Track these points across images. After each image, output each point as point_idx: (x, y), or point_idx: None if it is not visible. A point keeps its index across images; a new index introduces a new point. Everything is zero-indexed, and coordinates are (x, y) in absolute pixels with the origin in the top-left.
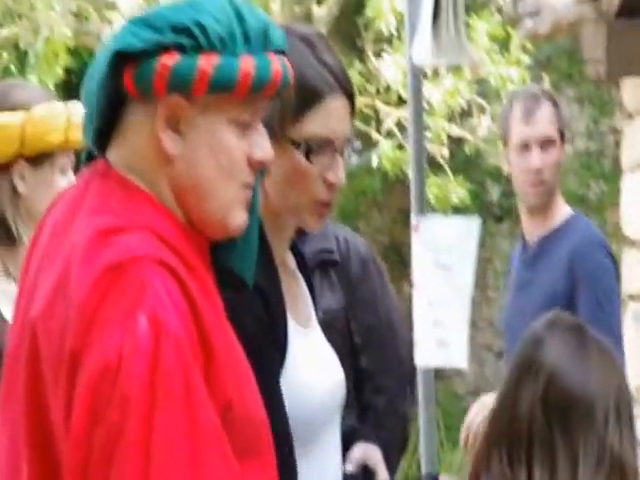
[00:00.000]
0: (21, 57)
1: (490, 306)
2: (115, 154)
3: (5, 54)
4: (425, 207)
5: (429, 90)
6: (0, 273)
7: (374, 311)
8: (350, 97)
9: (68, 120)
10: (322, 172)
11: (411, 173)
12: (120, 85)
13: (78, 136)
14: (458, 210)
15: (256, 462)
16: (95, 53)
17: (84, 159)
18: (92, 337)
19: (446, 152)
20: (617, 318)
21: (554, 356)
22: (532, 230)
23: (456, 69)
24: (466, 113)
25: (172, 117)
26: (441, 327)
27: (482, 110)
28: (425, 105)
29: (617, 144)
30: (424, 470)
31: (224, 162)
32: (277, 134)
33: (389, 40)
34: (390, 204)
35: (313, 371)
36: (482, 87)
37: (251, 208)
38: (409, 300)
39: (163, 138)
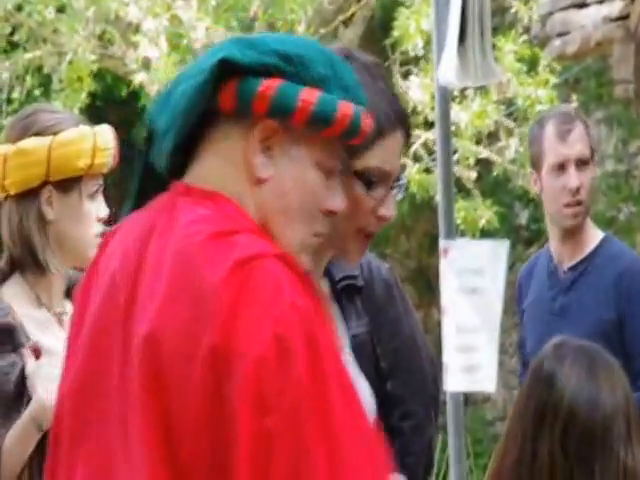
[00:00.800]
0: (45, 81)
1: (519, 331)
2: (198, 170)
3: (29, 78)
4: (453, 231)
5: (456, 112)
6: (31, 300)
7: (399, 334)
8: (408, 135)
9: (95, 144)
10: (376, 205)
11: (439, 196)
12: (214, 99)
13: (105, 160)
14: (487, 234)
15: None
16: (119, 76)
17: (138, 181)
18: (238, 331)
19: (474, 175)
20: None
21: (569, 392)
22: (565, 254)
23: (483, 91)
24: (494, 135)
25: (265, 140)
26: (470, 352)
27: (510, 132)
28: (452, 127)
29: None
30: None
31: (307, 202)
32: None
33: (416, 61)
34: (418, 228)
35: None
36: (510, 108)
37: None
38: (438, 325)
39: (256, 161)
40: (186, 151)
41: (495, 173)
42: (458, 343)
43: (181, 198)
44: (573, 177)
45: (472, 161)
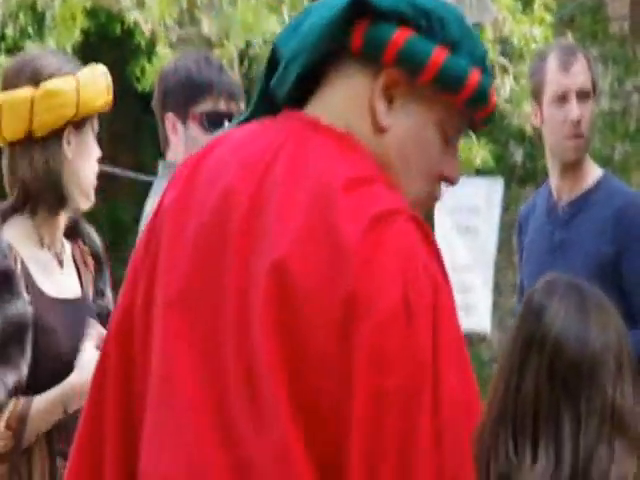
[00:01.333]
0: (38, 19)
1: (515, 271)
2: (321, 106)
3: (22, 16)
4: None
5: None
6: (35, 241)
7: None
8: None
9: (107, 82)
10: None
11: None
12: (344, 37)
13: (111, 97)
14: (481, 172)
15: None
16: (113, 14)
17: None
18: (372, 286)
19: None
20: None
21: (557, 326)
22: (564, 190)
23: (479, 29)
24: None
25: (388, 89)
26: (464, 292)
27: (505, 70)
28: None
29: None
30: None
31: (424, 159)
32: None
33: None
34: None
35: None
36: (505, 47)
37: None
38: None
39: (378, 107)
40: (308, 83)
41: None
42: (452, 282)
43: (312, 132)
44: (574, 108)
45: None
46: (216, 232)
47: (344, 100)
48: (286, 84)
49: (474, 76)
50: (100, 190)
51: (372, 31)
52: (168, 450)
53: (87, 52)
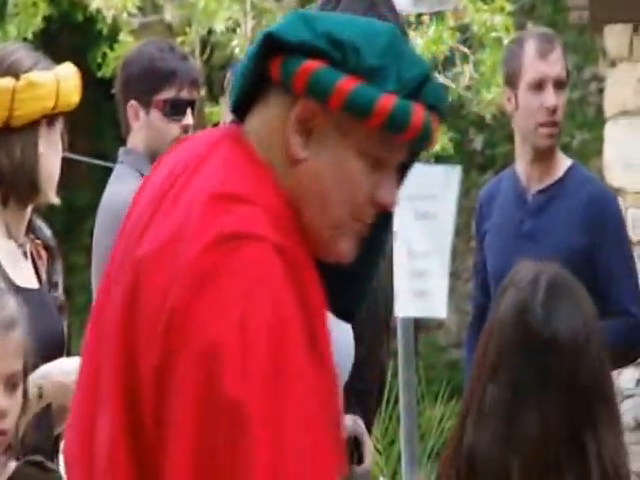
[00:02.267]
0: (0, 7)
1: (473, 256)
2: (251, 126)
3: None
4: None
5: (412, 38)
6: (2, 232)
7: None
8: None
9: (78, 82)
10: None
11: None
12: (265, 69)
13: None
14: (441, 159)
15: None
16: (75, 1)
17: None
18: (202, 306)
19: None
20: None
21: (572, 355)
22: (534, 177)
23: (439, 17)
24: (449, 61)
25: (306, 122)
26: (421, 277)
27: (465, 58)
28: None
29: (600, 91)
30: (403, 424)
31: (344, 188)
32: None
33: None
34: None
35: (340, 336)
36: (465, 35)
37: (373, 251)
38: (390, 251)
39: (292, 140)
40: (249, 103)
41: (450, 99)
42: (409, 268)
43: (227, 141)
44: (551, 96)
45: None
46: (123, 248)
47: (265, 128)
48: (232, 103)
49: (386, 102)
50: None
51: (286, 63)
52: (70, 432)
53: (48, 39)
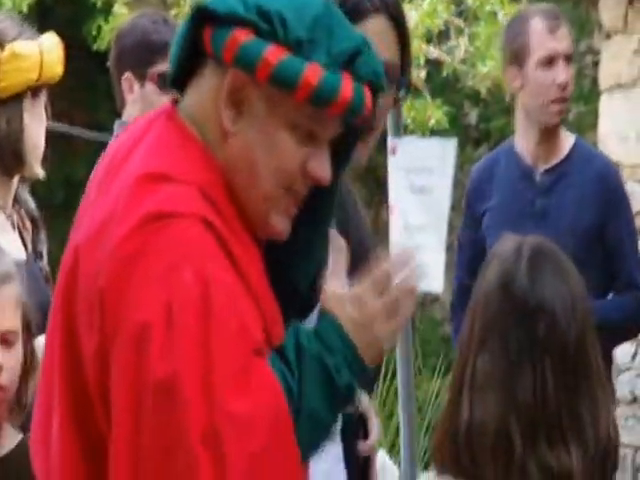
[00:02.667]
0: None
1: (461, 231)
2: (187, 100)
3: None
4: (401, 129)
5: (407, 11)
6: None
7: (345, 232)
8: (398, 23)
9: (61, 53)
10: None
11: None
12: (197, 42)
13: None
14: (436, 133)
15: None
16: None
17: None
18: (130, 288)
19: (423, 74)
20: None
21: (561, 325)
22: (540, 155)
23: None
24: (444, 35)
25: (236, 93)
26: (417, 252)
27: (460, 31)
28: None
29: (596, 64)
30: (401, 396)
31: (274, 160)
32: None
33: None
34: None
35: None
36: (460, 8)
37: (317, 221)
38: (387, 225)
39: (223, 114)
40: (185, 83)
41: (445, 73)
42: (405, 242)
43: (161, 120)
44: (563, 71)
45: (422, 60)
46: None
47: (200, 101)
48: (170, 79)
49: (311, 74)
50: (54, 149)
51: (215, 35)
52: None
53: (43, 11)
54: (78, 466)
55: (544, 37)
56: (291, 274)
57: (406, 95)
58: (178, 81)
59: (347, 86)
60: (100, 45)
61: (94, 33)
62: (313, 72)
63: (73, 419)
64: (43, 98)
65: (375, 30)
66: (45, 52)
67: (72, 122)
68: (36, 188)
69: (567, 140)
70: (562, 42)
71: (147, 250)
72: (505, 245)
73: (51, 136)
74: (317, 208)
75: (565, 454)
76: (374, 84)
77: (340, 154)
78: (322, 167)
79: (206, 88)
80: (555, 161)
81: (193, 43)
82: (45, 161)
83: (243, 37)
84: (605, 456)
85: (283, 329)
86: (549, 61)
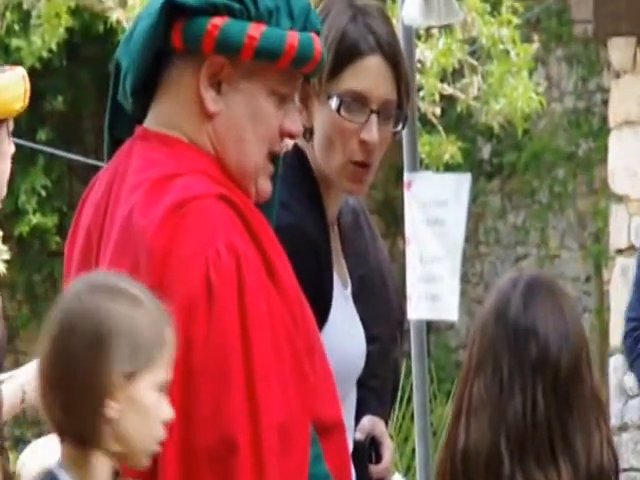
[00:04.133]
0: (24, 17)
1: (481, 261)
2: (156, 111)
3: (8, 14)
4: (417, 164)
5: (422, 50)
6: None
7: (365, 261)
8: (393, 62)
9: (25, 87)
10: (357, 131)
11: (404, 131)
12: (167, 39)
13: (27, 102)
14: (450, 168)
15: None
16: (96, 13)
17: (107, 137)
18: (171, 274)
19: (438, 111)
20: None
21: (553, 345)
22: None
23: (449, 30)
24: (458, 73)
25: (214, 76)
26: (433, 281)
27: (474, 70)
28: (419, 65)
29: (605, 102)
30: (416, 421)
31: (260, 127)
32: (318, 90)
33: (382, 1)
34: (383, 161)
35: (351, 332)
36: (473, 47)
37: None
38: (403, 256)
39: (205, 96)
40: (148, 93)
41: (459, 109)
42: (421, 273)
43: (138, 143)
44: None
45: (437, 97)
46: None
47: (175, 100)
48: (128, 97)
49: (292, 40)
50: (83, 182)
51: (188, 27)
52: None
53: (71, 49)
54: None
55: None
56: None
57: (403, 129)
58: (139, 91)
59: (317, 42)
60: None
61: None
62: (292, 37)
63: None
64: (6, 130)
65: (372, 68)
66: (1, 90)
67: (100, 155)
68: (65, 220)
69: None
70: None
71: (179, 234)
72: (504, 278)
73: (80, 169)
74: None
75: (554, 474)
76: (319, 32)
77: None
78: (296, 124)
79: (179, 85)
80: None
81: (158, 43)
82: (73, 194)
83: (221, 22)
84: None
85: (302, 297)
86: None
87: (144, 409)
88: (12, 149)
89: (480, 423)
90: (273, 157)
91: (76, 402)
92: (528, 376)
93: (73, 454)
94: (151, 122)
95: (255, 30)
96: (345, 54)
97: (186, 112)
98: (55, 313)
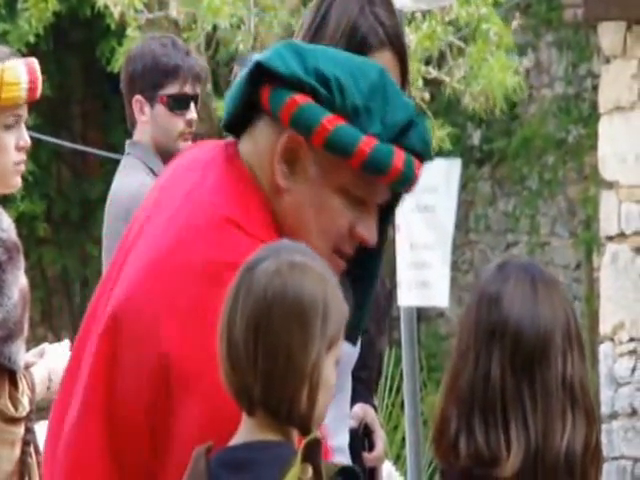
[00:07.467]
0: (11, 1)
1: (471, 249)
2: (244, 146)
3: None
4: None
5: (407, 35)
6: None
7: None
8: (401, 58)
9: (2, 79)
10: None
11: None
12: (257, 94)
13: (15, 94)
14: (439, 154)
15: None
16: None
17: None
18: (196, 341)
19: (427, 96)
20: None
21: (515, 315)
22: None
23: (430, 13)
24: (443, 56)
25: (291, 152)
26: (423, 268)
27: (461, 52)
28: None
29: (595, 88)
30: (407, 410)
31: (323, 220)
32: None
33: None
34: None
35: None
36: (458, 28)
37: (369, 279)
38: (392, 243)
39: (276, 167)
40: (242, 123)
41: (447, 94)
42: (411, 259)
43: (222, 160)
44: None
45: (420, 82)
46: (118, 253)
47: (256, 152)
48: (225, 121)
49: (365, 145)
50: (71, 168)
51: (275, 93)
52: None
53: (58, 33)
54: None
55: None
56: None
57: None
58: (232, 126)
59: (399, 158)
60: (114, 67)
61: (108, 55)
62: (367, 142)
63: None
64: (0, 122)
65: (383, 62)
66: (5, 76)
67: (87, 141)
68: (53, 206)
69: None
70: None
71: (207, 303)
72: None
73: (68, 155)
74: (365, 263)
75: (503, 443)
76: (423, 154)
77: (383, 212)
78: (369, 232)
79: (261, 140)
80: None
81: (249, 95)
82: (61, 180)
83: (301, 101)
84: (568, 469)
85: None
86: None
87: (329, 386)
88: (24, 141)
89: (444, 386)
90: (345, 255)
91: (280, 377)
92: (483, 340)
93: (266, 425)
94: (240, 153)
95: (331, 121)
96: (356, 47)
97: (264, 168)
98: (249, 289)
